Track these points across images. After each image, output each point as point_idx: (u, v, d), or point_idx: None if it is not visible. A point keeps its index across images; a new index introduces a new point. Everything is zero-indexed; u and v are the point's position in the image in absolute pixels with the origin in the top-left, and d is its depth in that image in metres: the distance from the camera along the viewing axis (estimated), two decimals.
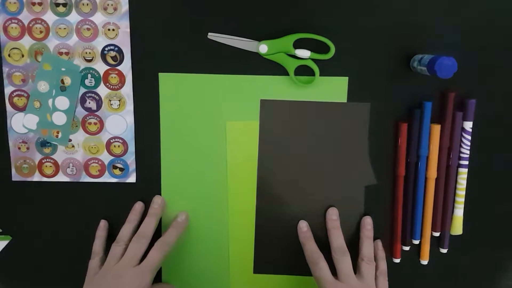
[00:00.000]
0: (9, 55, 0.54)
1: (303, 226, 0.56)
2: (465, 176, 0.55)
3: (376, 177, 0.56)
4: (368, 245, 0.55)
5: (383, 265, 0.55)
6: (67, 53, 0.54)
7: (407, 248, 0.57)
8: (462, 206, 0.56)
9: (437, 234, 0.56)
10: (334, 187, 0.56)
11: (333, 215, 0.56)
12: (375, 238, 0.57)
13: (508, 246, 0.58)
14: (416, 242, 0.57)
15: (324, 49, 0.53)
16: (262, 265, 0.58)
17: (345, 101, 0.54)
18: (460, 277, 0.59)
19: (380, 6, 0.53)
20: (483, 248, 0.58)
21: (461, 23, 0.53)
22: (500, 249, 0.58)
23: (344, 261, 0.52)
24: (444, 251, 0.57)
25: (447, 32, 0.53)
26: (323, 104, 0.55)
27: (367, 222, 0.56)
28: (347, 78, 0.54)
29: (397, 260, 0.58)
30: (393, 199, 0.56)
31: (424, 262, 0.57)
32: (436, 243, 0.57)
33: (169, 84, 0.54)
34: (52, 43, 0.54)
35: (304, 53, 0.53)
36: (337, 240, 0.54)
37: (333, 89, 0.54)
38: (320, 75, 0.53)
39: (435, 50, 0.53)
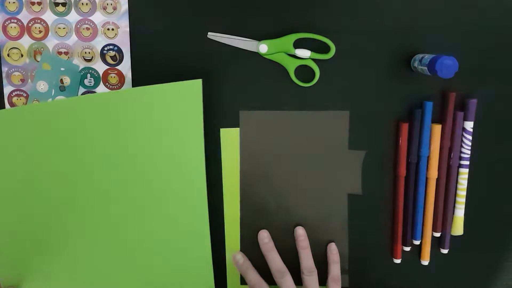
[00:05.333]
0: (8, 55, 0.54)
1: (264, 237, 0.55)
2: (466, 176, 0.55)
3: (362, 186, 0.56)
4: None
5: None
6: (66, 53, 0.54)
7: (407, 249, 0.57)
8: (463, 206, 0.56)
9: (437, 234, 0.56)
10: (317, 196, 0.56)
11: (301, 235, 0.55)
12: (374, 239, 0.57)
13: (509, 247, 0.58)
14: (417, 242, 0.57)
15: (324, 49, 0.53)
16: None
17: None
18: (461, 277, 0.58)
19: (380, 6, 0.53)
20: (484, 249, 0.58)
21: (461, 23, 0.53)
22: (501, 249, 0.58)
23: (313, 280, 0.53)
24: (445, 251, 0.57)
25: (447, 32, 0.53)
26: (302, 114, 0.54)
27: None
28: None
29: (398, 261, 0.57)
30: (394, 199, 0.56)
31: (425, 262, 0.57)
32: (436, 243, 0.57)
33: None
34: (51, 42, 0.54)
35: (304, 53, 0.52)
36: (308, 260, 0.54)
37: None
38: (321, 75, 0.53)
39: (436, 50, 0.53)
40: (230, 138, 0.55)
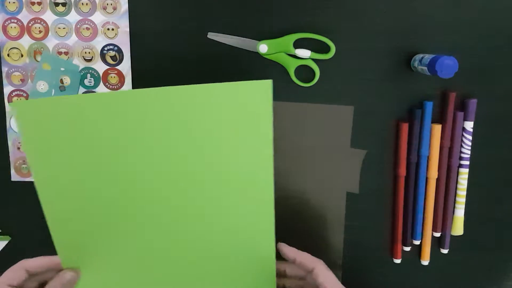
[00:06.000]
0: (8, 55, 0.54)
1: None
2: (466, 176, 0.55)
3: (360, 186, 0.56)
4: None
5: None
6: (66, 53, 0.54)
7: (407, 249, 0.57)
8: (463, 206, 0.56)
9: (437, 234, 0.56)
10: (316, 190, 0.56)
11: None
12: (374, 239, 0.57)
13: (508, 247, 0.58)
14: (417, 242, 0.57)
15: (324, 49, 0.53)
16: None
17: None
18: (461, 277, 0.58)
19: (380, 6, 0.53)
20: (484, 249, 0.58)
21: (461, 23, 0.53)
22: (500, 249, 0.58)
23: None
24: (445, 251, 0.57)
25: (447, 32, 0.53)
26: (307, 106, 0.54)
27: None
28: None
29: (398, 261, 0.57)
30: (394, 199, 0.56)
31: (425, 262, 0.57)
32: (436, 243, 0.57)
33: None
34: (51, 42, 0.54)
35: (304, 53, 0.52)
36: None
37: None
38: (320, 75, 0.53)
39: (436, 50, 0.53)
40: None
